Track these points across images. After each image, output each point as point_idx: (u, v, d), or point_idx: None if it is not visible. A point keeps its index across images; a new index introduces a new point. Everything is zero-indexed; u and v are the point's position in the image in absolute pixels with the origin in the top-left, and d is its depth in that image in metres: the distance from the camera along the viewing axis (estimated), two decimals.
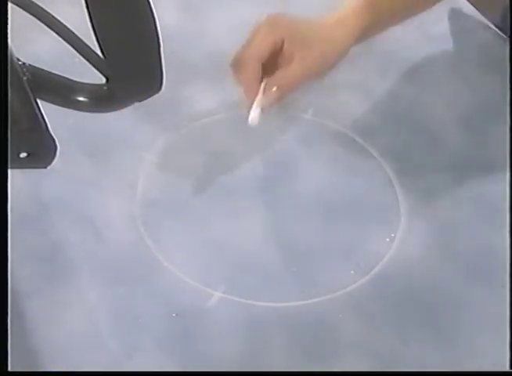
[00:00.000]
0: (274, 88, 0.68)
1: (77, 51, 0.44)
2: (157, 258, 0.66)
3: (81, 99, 0.46)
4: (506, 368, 0.53)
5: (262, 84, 0.69)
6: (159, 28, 0.42)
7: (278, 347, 0.61)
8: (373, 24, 0.73)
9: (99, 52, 0.43)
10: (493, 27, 0.89)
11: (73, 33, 0.45)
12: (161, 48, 0.43)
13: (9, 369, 0.44)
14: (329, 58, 0.71)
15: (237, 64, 0.69)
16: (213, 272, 0.65)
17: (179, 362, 0.60)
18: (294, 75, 0.69)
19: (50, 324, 0.61)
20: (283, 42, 0.68)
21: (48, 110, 0.44)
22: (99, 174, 0.71)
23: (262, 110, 0.68)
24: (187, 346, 0.61)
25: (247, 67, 0.68)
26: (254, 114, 0.68)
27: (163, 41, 0.43)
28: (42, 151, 0.44)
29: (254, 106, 0.68)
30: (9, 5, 0.40)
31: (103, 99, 0.46)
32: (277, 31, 0.69)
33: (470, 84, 0.83)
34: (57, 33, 0.44)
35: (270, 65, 0.69)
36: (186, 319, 0.62)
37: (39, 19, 0.44)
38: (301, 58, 0.69)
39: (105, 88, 0.45)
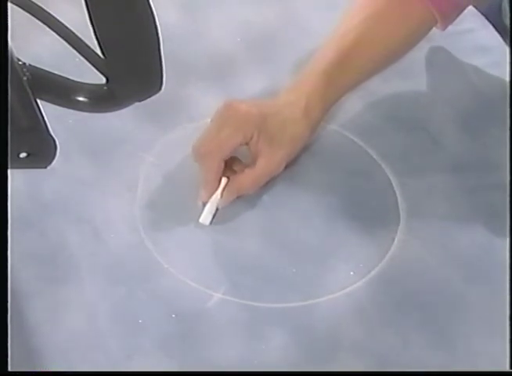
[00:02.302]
0: (235, 191, 0.68)
1: (77, 51, 0.44)
2: (157, 259, 0.66)
3: (81, 99, 0.46)
4: (506, 368, 0.53)
5: (223, 181, 0.68)
6: (159, 28, 0.42)
7: (278, 347, 0.61)
8: (334, 101, 0.74)
9: (99, 52, 0.43)
10: (493, 27, 0.89)
11: (74, 33, 0.45)
12: (161, 48, 0.43)
13: (9, 369, 0.44)
14: (293, 156, 0.72)
15: (201, 153, 0.68)
16: (213, 274, 0.65)
17: (179, 362, 0.60)
18: (258, 176, 0.69)
19: (50, 324, 0.61)
20: (251, 138, 0.67)
21: (48, 110, 0.44)
22: (98, 174, 0.71)
23: (217, 209, 0.68)
24: (187, 347, 0.61)
25: (211, 162, 0.67)
26: (206, 216, 0.67)
27: (163, 41, 0.43)
28: (42, 151, 0.44)
29: (209, 206, 0.68)
30: (9, 5, 0.40)
31: (103, 99, 0.46)
32: (247, 128, 0.67)
33: (470, 84, 0.83)
34: (57, 33, 0.44)
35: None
36: (186, 320, 0.62)
37: (39, 19, 0.44)
38: (267, 156, 0.68)
39: (105, 88, 0.45)
